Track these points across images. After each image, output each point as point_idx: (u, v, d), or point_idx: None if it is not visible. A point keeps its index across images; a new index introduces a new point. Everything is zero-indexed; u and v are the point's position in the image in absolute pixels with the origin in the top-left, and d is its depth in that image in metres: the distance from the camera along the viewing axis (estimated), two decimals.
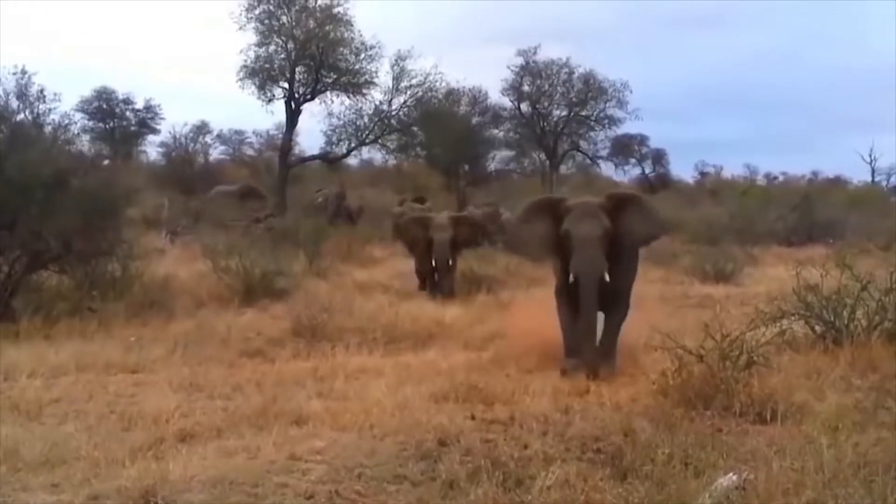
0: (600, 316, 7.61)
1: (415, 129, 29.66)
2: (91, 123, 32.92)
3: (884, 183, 40.56)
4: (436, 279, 13.55)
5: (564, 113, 33.98)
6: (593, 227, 7.58)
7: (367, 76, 27.35)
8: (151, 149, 35.56)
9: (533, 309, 8.96)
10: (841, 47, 61.44)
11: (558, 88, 33.49)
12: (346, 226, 21.68)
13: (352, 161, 32.43)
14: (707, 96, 60.36)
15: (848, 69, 59.88)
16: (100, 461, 4.94)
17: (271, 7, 26.38)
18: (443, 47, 64.82)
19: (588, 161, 36.00)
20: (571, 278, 7.58)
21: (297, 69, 26.96)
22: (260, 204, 22.46)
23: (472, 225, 14.37)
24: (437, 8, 55.04)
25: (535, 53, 33.01)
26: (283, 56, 26.76)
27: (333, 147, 28.86)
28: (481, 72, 65.71)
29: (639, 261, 8.42)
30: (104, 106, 33.47)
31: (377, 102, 28.09)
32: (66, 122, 23.24)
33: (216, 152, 36.04)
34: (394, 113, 28.46)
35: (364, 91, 27.62)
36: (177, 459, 4.91)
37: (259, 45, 26.60)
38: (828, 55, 62.68)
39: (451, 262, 13.19)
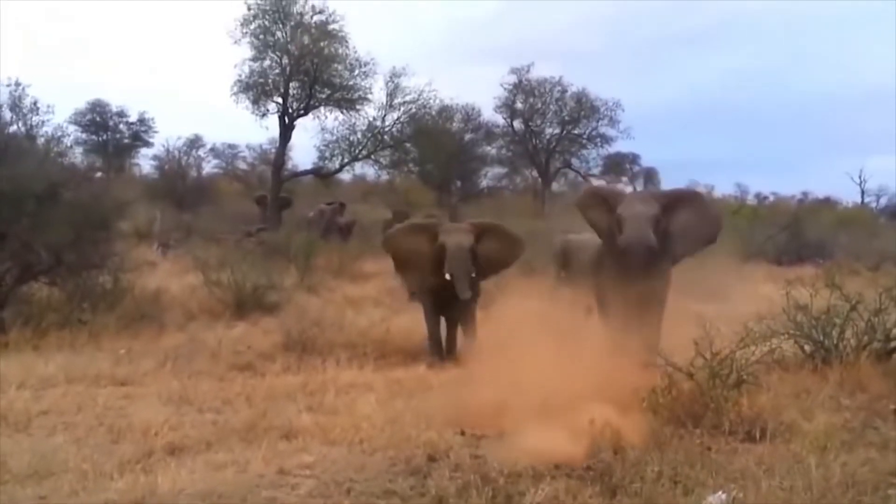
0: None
1: (408, 145, 29.71)
2: (84, 136, 33.02)
3: (873, 204, 40.90)
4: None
5: (557, 131, 34.18)
6: (646, 207, 7.91)
7: (360, 92, 27.44)
8: (144, 161, 35.68)
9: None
10: (829, 69, 62.12)
11: (551, 106, 33.74)
12: (339, 241, 21.65)
13: (344, 176, 32.49)
14: (697, 116, 60.81)
15: (836, 91, 60.55)
16: (88, 474, 4.93)
17: (266, 22, 26.45)
18: (436, 65, 65.06)
19: (580, 179, 36.11)
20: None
21: (291, 84, 27.01)
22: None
23: (506, 239, 9.59)
24: (430, 26, 55.35)
25: (528, 71, 33.29)
26: (277, 71, 26.81)
27: (326, 162, 28.87)
28: (474, 90, 65.91)
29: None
30: (97, 118, 33.54)
31: (370, 118, 28.18)
32: (59, 134, 23.30)
33: (209, 166, 36.16)
34: (387, 129, 28.52)
35: (357, 107, 27.70)
36: (166, 473, 4.90)
37: (254, 59, 26.68)
38: (817, 76, 63.30)
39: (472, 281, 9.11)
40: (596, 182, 33.06)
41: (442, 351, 9.38)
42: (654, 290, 7.83)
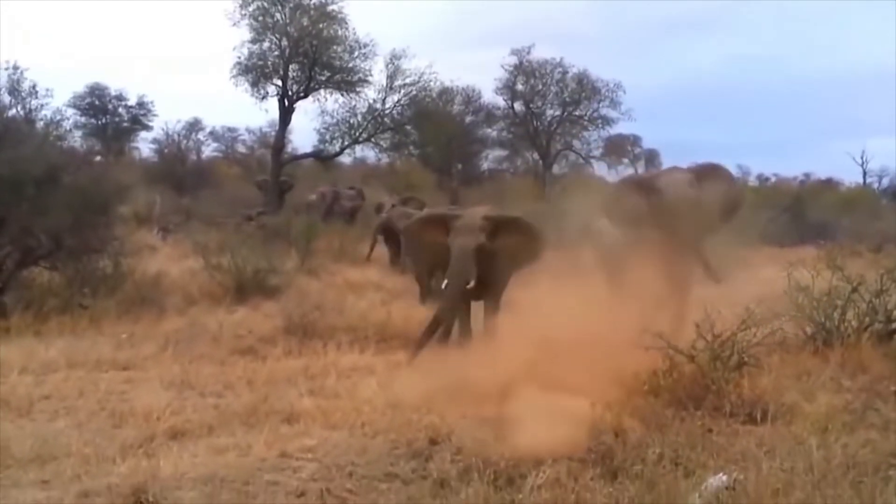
0: None
1: (408, 127, 29.58)
2: (83, 119, 32.76)
3: (875, 185, 40.75)
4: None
5: (558, 112, 33.96)
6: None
7: (360, 74, 27.28)
8: (144, 145, 35.49)
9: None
10: (831, 51, 61.57)
11: (552, 88, 33.49)
12: (342, 224, 21.54)
13: (345, 159, 32.30)
14: (698, 98, 60.36)
15: (838, 72, 60.07)
16: (90, 458, 4.96)
17: (265, 4, 26.25)
18: (435, 48, 64.54)
19: (581, 161, 36.00)
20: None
21: (291, 67, 26.85)
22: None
23: (526, 233, 8.43)
24: (429, 8, 54.87)
25: (528, 53, 33.05)
26: (276, 53, 26.66)
27: (326, 145, 28.79)
28: (473, 72, 65.44)
29: None
30: (97, 102, 33.28)
31: (371, 101, 28.03)
32: (58, 118, 23.03)
33: (209, 149, 36.09)
34: (387, 111, 28.39)
35: (358, 89, 27.55)
36: (168, 457, 4.93)
37: (253, 42, 26.50)
38: (818, 58, 62.76)
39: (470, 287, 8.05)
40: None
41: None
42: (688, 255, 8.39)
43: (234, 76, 26.64)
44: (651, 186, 8.68)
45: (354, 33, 26.82)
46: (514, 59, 33.05)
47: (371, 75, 27.45)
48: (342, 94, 27.68)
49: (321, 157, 29.58)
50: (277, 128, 28.28)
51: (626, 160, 39.17)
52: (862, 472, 4.58)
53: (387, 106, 28.32)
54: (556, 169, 35.65)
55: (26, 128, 16.96)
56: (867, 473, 4.56)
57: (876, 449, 5.01)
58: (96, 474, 4.67)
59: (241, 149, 36.45)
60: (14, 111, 24.00)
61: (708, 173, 8.80)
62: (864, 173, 40.14)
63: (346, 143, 28.62)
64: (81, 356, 7.89)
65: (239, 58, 26.51)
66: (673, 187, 8.45)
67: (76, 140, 27.46)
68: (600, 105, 33.45)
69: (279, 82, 26.99)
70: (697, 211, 8.29)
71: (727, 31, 64.73)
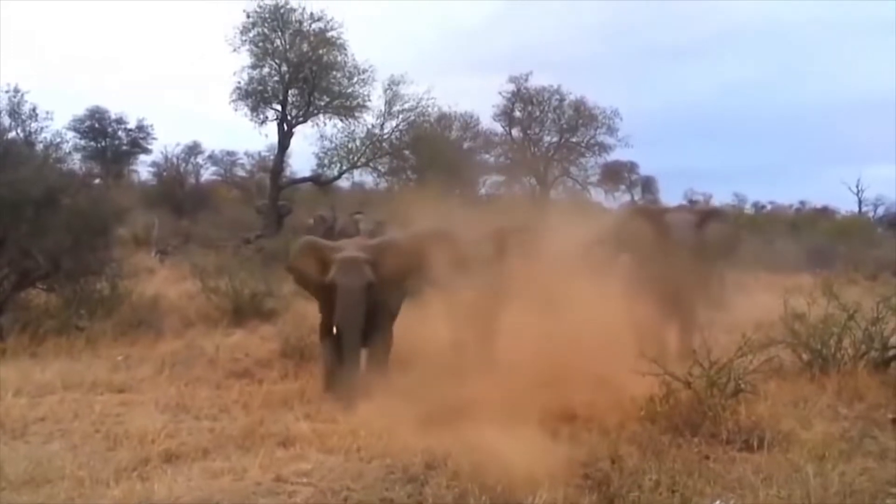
0: None
1: (406, 152, 29.70)
2: (83, 142, 32.85)
3: (870, 213, 40.88)
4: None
5: (555, 139, 34.17)
6: (688, 215, 9.41)
7: (359, 100, 27.40)
8: (143, 168, 35.60)
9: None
10: (825, 79, 62.06)
11: (549, 115, 33.70)
12: None
13: (343, 183, 32.40)
14: (694, 125, 60.65)
15: (833, 100, 60.49)
16: (84, 481, 4.93)
17: (265, 30, 26.43)
18: (431, 74, 64.89)
19: (578, 187, 36.11)
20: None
21: (290, 92, 26.98)
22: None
23: (408, 253, 7.88)
24: (423, 36, 55.34)
25: (526, 80, 33.31)
26: (276, 79, 26.80)
27: (325, 169, 28.85)
28: (471, 99, 65.81)
29: None
30: (96, 125, 33.39)
31: (369, 126, 28.13)
32: (58, 140, 23.11)
33: (207, 173, 36.17)
34: (386, 136, 28.50)
35: (356, 114, 27.66)
36: (162, 480, 4.90)
37: (253, 67, 26.61)
38: (813, 86, 63.24)
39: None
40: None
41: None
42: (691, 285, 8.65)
43: (233, 101, 26.74)
44: (659, 218, 9.21)
45: (353, 59, 27.01)
46: (511, 87, 33.33)
47: (370, 101, 27.57)
48: (341, 119, 27.77)
49: (319, 182, 29.61)
50: (276, 152, 28.35)
51: (622, 187, 39.32)
52: (859, 500, 4.58)
53: (385, 131, 28.42)
54: (553, 195, 35.73)
55: (26, 150, 16.96)
56: (864, 502, 4.56)
57: (873, 477, 5.01)
58: (90, 497, 4.66)
59: (239, 172, 36.55)
60: (14, 133, 24.06)
61: (711, 216, 9.44)
62: (860, 202, 40.34)
63: (345, 167, 28.67)
64: (77, 378, 7.87)
65: (239, 83, 26.63)
66: (678, 226, 8.93)
67: (75, 162, 27.51)
68: (597, 132, 33.66)
69: (278, 107, 27.10)
70: (698, 250, 8.70)
71: (723, 58, 65.27)
